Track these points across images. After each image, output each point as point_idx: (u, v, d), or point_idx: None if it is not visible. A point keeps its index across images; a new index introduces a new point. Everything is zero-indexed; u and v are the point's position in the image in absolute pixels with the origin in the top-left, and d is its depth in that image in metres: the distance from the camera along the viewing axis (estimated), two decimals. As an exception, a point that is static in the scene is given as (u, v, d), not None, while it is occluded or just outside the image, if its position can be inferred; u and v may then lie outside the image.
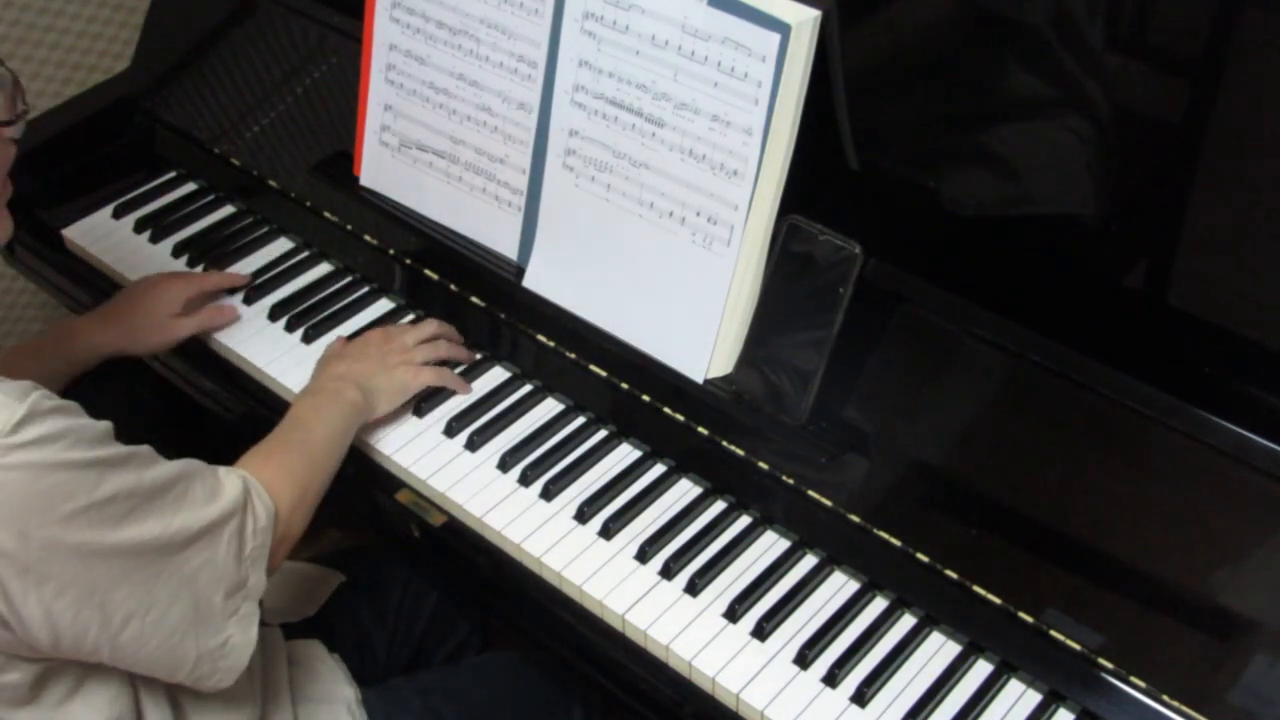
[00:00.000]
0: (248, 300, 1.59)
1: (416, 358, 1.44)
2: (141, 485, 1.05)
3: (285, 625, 1.41)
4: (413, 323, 1.54)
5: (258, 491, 1.19)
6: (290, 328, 1.56)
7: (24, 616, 0.99)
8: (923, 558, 1.23)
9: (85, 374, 1.51)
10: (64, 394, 1.08)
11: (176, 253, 1.66)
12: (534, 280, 1.44)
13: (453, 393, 1.46)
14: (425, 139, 1.51)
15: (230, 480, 1.16)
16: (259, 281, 1.61)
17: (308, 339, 1.54)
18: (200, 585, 1.10)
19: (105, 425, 1.07)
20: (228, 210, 1.72)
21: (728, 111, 1.25)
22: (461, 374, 1.48)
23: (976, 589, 1.20)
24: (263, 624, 1.36)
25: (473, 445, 1.41)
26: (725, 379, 1.33)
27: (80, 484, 1.01)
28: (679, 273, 1.32)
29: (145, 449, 1.10)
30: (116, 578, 1.04)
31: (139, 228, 1.69)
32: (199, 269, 1.63)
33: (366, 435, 1.42)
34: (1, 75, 1.09)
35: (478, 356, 1.50)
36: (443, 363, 1.47)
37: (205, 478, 1.14)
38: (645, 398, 1.39)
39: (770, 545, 1.32)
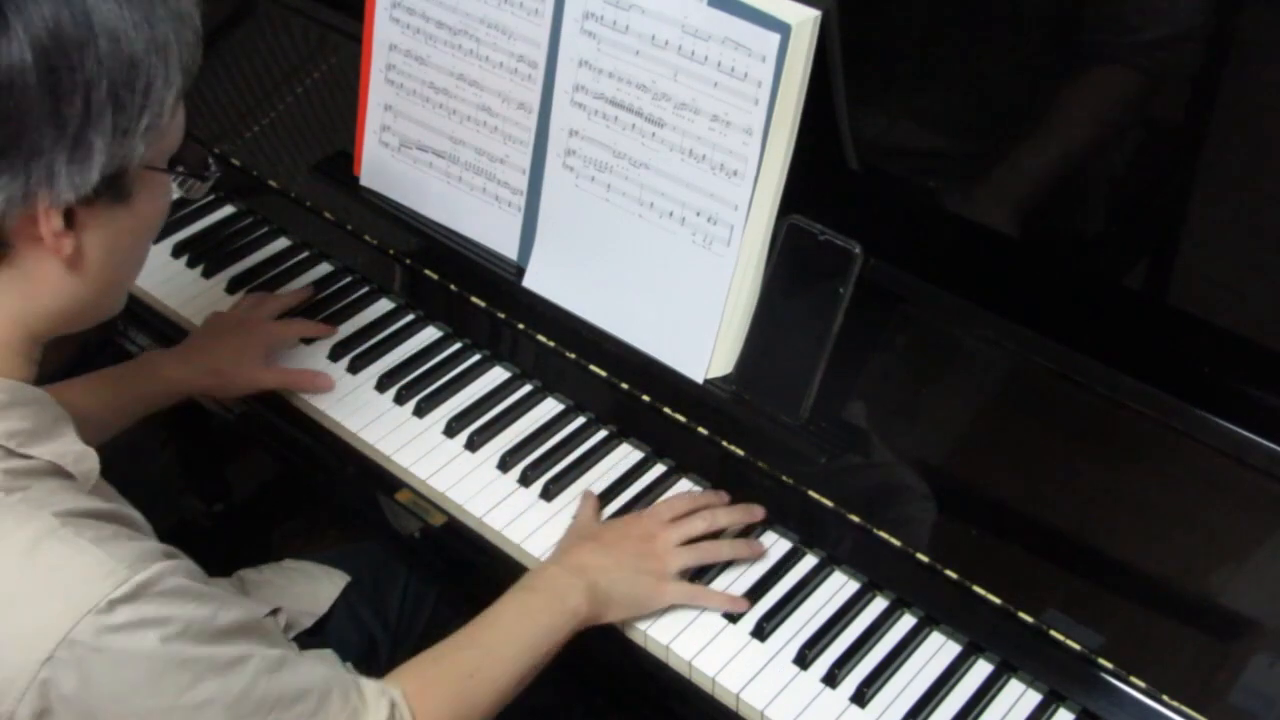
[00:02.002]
0: (248, 300, 1.59)
1: (672, 566, 1.24)
2: (252, 694, 0.95)
3: (298, 638, 1.39)
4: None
5: None
6: (290, 328, 1.56)
7: None
8: (923, 558, 1.23)
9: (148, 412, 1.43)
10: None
11: (176, 253, 1.66)
12: (534, 280, 1.44)
13: (454, 393, 1.47)
14: (425, 139, 1.51)
15: (376, 706, 1.03)
16: (259, 282, 1.61)
17: (307, 339, 1.54)
18: None
19: (235, 619, 0.95)
20: (228, 210, 1.72)
21: (728, 111, 1.25)
22: (459, 377, 1.48)
23: (976, 589, 1.20)
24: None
25: (473, 445, 1.41)
26: (725, 379, 1.33)
27: (168, 682, 0.91)
28: (679, 273, 1.32)
29: (285, 653, 0.99)
30: None
31: (139, 228, 1.69)
32: (199, 269, 1.63)
33: (367, 434, 1.42)
34: (192, 150, 1.04)
35: (764, 547, 1.30)
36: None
37: (347, 697, 1.01)
38: (645, 398, 1.39)
39: (770, 545, 1.31)
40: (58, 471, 0.96)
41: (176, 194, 1.06)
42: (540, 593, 1.20)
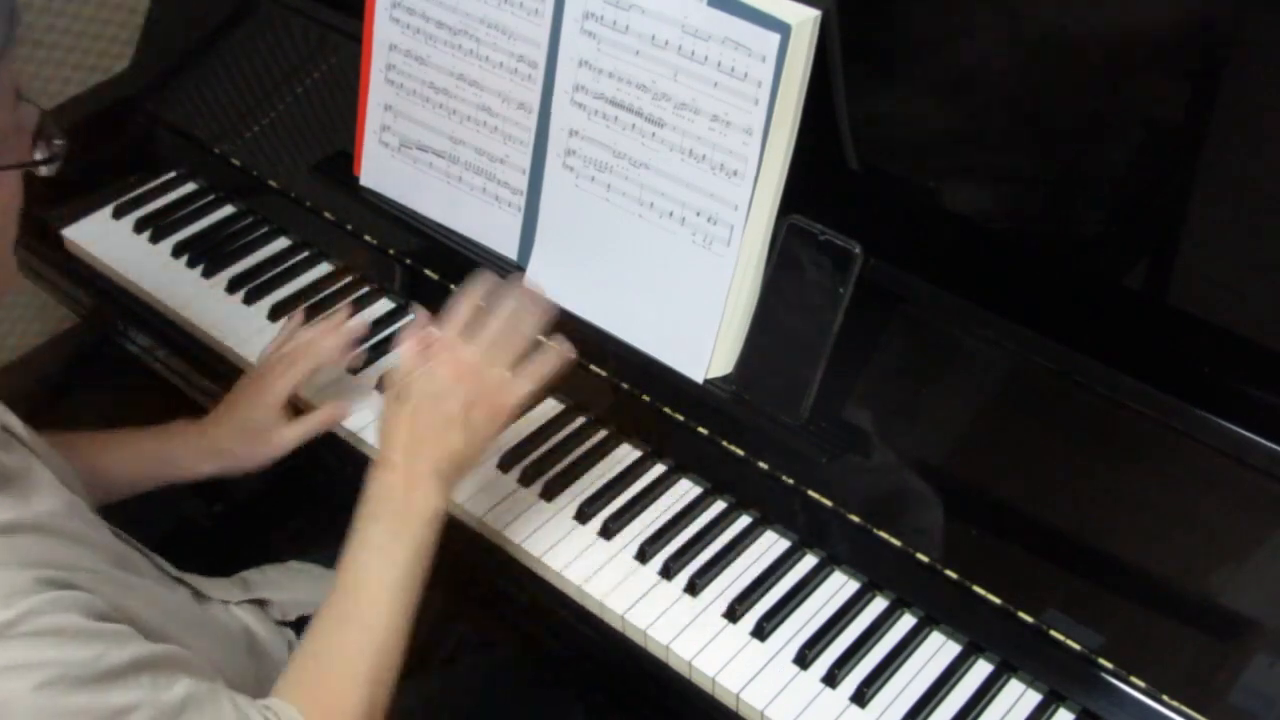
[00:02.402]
0: (248, 300, 1.59)
1: (510, 402, 1.17)
2: None
3: (296, 625, 1.40)
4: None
5: None
6: (290, 328, 1.55)
7: None
8: (923, 558, 1.23)
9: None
10: None
11: (176, 253, 1.66)
12: (534, 280, 1.44)
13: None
14: (425, 139, 1.51)
15: None
16: (259, 282, 1.61)
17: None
18: None
19: (128, 657, 0.86)
20: (228, 210, 1.72)
21: (728, 111, 1.25)
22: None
23: (976, 589, 1.20)
24: (280, 623, 1.36)
25: (473, 445, 1.41)
26: (725, 379, 1.33)
27: None
28: (679, 273, 1.32)
29: (189, 695, 0.89)
30: None
31: (139, 228, 1.69)
32: (199, 269, 1.63)
33: (366, 435, 1.42)
34: (26, 113, 0.92)
35: (570, 347, 1.27)
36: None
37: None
38: (645, 398, 1.39)
39: (770, 545, 1.31)
40: None
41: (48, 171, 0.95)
42: (390, 521, 1.10)
